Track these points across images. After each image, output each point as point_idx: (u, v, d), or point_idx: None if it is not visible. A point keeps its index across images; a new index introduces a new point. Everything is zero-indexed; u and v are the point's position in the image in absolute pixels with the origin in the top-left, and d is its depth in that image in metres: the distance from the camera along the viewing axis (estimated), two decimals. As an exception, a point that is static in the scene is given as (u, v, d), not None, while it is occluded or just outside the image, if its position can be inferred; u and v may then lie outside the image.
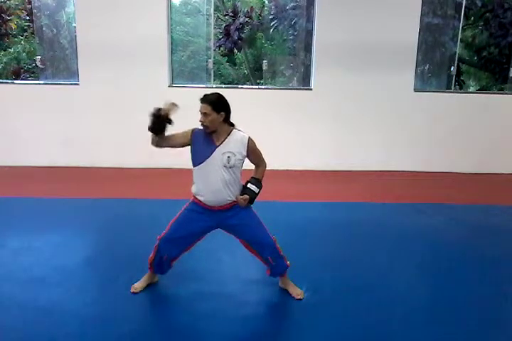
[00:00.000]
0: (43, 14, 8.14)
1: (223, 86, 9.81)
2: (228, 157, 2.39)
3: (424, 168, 7.03)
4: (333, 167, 6.93)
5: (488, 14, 11.13)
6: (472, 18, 11.47)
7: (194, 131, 2.47)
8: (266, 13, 13.00)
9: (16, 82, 9.24)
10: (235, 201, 2.47)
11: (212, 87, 7.07)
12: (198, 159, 2.44)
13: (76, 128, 6.68)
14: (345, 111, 6.92)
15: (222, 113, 2.36)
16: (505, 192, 5.92)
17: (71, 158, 6.76)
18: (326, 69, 6.78)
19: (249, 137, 2.48)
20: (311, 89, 6.92)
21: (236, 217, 2.49)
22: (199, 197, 2.46)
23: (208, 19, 8.60)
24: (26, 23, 12.98)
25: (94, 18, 6.48)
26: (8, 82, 7.76)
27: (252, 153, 2.49)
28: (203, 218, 2.48)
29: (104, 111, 6.59)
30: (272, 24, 12.36)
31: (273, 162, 6.92)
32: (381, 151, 7.02)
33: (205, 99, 2.37)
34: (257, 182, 2.54)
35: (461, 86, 12.05)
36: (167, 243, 2.50)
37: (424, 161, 7.07)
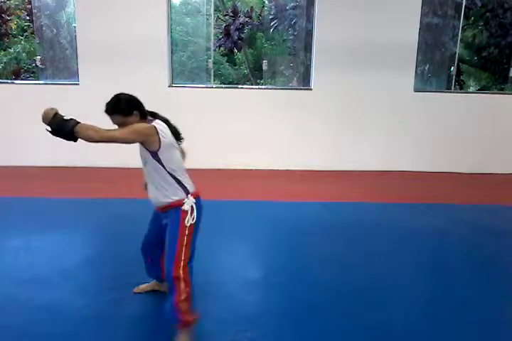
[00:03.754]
0: (43, 14, 8.14)
1: (223, 86, 9.82)
2: (141, 152, 2.15)
3: (424, 167, 7.03)
4: (333, 167, 6.93)
5: (488, 14, 11.14)
6: (472, 18, 11.47)
7: None
8: (266, 13, 13.01)
9: (16, 82, 9.23)
10: (168, 205, 2.15)
11: (212, 87, 7.07)
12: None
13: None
14: (345, 111, 6.92)
15: (136, 112, 2.09)
16: (505, 192, 5.91)
17: (71, 158, 6.76)
18: (326, 69, 6.78)
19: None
20: (311, 89, 6.92)
21: (167, 218, 2.20)
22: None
23: (208, 19, 8.61)
24: (26, 23, 12.99)
25: (94, 18, 6.48)
26: (8, 82, 7.76)
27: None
28: (158, 215, 2.31)
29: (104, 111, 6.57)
30: (271, 24, 12.37)
31: (273, 162, 7.02)
32: (381, 151, 7.02)
33: (110, 110, 2.08)
34: (70, 121, 1.97)
35: (461, 86, 12.06)
36: (144, 244, 2.46)
37: (424, 161, 7.06)
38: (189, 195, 2.15)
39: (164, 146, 2.07)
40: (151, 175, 2.15)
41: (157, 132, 2.04)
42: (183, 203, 2.12)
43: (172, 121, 2.23)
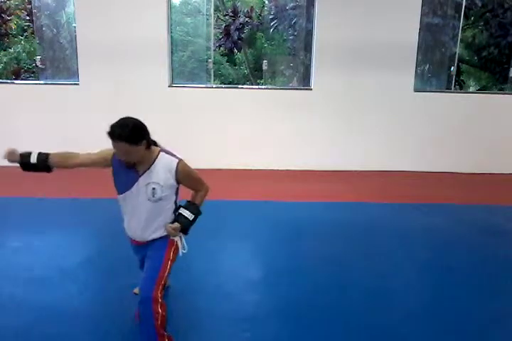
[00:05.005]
0: (43, 14, 8.14)
1: (223, 86, 9.81)
2: (153, 188, 1.97)
3: (424, 167, 7.02)
4: (333, 167, 6.92)
5: (488, 14, 11.13)
6: (472, 18, 11.47)
7: (114, 154, 2.01)
8: (266, 13, 13.00)
9: (16, 82, 9.24)
10: (156, 238, 2.09)
11: (212, 87, 7.07)
12: (120, 187, 2.08)
13: (76, 128, 6.67)
14: (345, 111, 6.91)
15: (144, 141, 1.90)
16: (505, 192, 5.91)
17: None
18: (326, 69, 6.77)
19: (179, 161, 2.00)
20: (311, 89, 6.92)
21: (149, 246, 2.11)
22: (127, 232, 2.17)
23: (208, 19, 8.60)
24: (26, 23, 12.98)
25: (94, 18, 6.48)
26: (8, 82, 7.76)
27: (185, 179, 2.04)
28: (138, 250, 2.26)
29: (104, 111, 6.56)
30: (271, 24, 12.36)
31: (273, 162, 7.01)
32: (381, 151, 7.01)
33: (118, 137, 1.84)
34: (193, 207, 2.07)
35: (461, 86, 12.05)
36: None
37: (424, 161, 7.06)
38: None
39: None
40: (154, 211, 2.04)
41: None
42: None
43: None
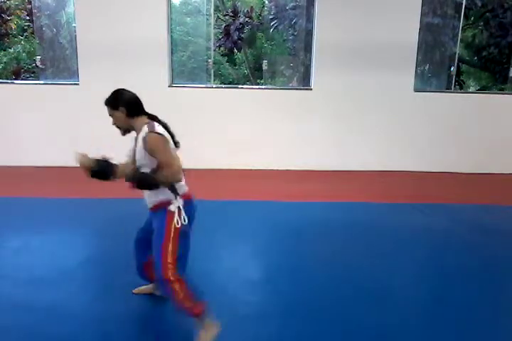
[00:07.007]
0: (43, 14, 8.15)
1: (223, 86, 9.81)
2: (134, 155, 2.17)
3: (424, 168, 7.02)
4: (333, 167, 6.93)
5: (488, 14, 11.13)
6: (472, 18, 11.47)
7: None
8: (266, 13, 13.00)
9: (15, 82, 9.24)
10: (156, 205, 2.17)
11: (212, 87, 7.07)
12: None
13: (76, 128, 6.68)
14: (345, 111, 6.91)
15: (122, 108, 2.14)
16: (505, 192, 5.91)
17: (71, 158, 6.74)
18: (326, 69, 6.77)
19: (149, 132, 2.07)
20: (311, 89, 6.92)
21: (155, 218, 2.22)
22: None
23: (208, 19, 8.62)
24: (26, 23, 12.98)
25: (94, 18, 6.48)
26: (8, 82, 7.76)
27: (153, 152, 2.06)
28: (150, 217, 2.34)
29: (104, 111, 6.55)
30: (272, 24, 12.37)
31: (273, 162, 7.01)
32: (381, 151, 7.02)
33: (104, 101, 2.22)
34: (144, 174, 2.08)
35: (461, 86, 12.05)
36: (135, 243, 2.45)
37: (423, 161, 7.06)
38: (178, 197, 2.14)
39: None
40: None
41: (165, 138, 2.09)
42: (169, 204, 2.12)
43: (170, 127, 2.23)
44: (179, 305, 2.07)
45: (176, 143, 2.21)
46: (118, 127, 2.21)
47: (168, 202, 2.12)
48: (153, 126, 2.10)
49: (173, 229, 2.09)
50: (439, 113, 6.99)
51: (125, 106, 2.15)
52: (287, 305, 2.58)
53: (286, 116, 6.87)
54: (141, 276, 2.55)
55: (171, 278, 2.03)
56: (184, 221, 2.13)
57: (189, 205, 2.20)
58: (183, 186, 2.20)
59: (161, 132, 2.09)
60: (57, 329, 2.26)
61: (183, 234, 2.14)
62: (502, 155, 7.11)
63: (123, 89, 2.23)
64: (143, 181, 2.06)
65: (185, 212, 2.15)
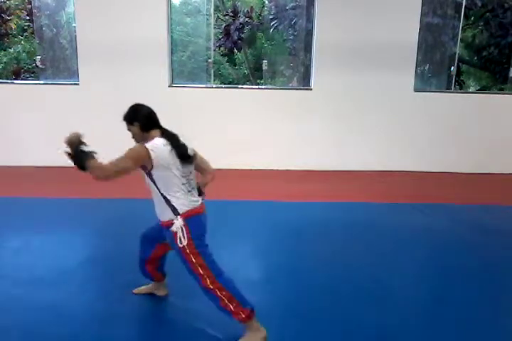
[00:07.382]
0: (43, 14, 8.14)
1: (223, 86, 9.81)
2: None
3: (424, 168, 7.02)
4: (333, 167, 6.92)
5: (488, 14, 11.13)
6: (472, 18, 11.46)
7: None
8: (266, 13, 13.01)
9: (15, 82, 9.24)
10: (163, 222, 2.21)
11: (212, 87, 7.07)
12: None
13: (76, 128, 6.66)
14: (345, 111, 6.91)
15: (136, 123, 2.18)
16: (505, 192, 5.91)
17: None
18: (326, 69, 6.77)
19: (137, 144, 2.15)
20: (311, 89, 6.92)
21: (166, 235, 2.23)
22: None
23: (208, 19, 8.61)
24: (26, 23, 12.99)
25: (94, 18, 6.48)
26: (8, 82, 7.76)
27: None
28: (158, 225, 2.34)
29: (104, 111, 6.56)
30: (272, 24, 12.37)
31: (273, 162, 7.01)
32: (381, 151, 7.01)
33: (123, 116, 2.23)
34: (87, 154, 2.10)
35: (461, 86, 12.05)
36: (140, 238, 2.48)
37: (423, 161, 7.06)
38: (178, 217, 2.13)
39: (157, 167, 2.07)
40: (151, 189, 2.20)
41: (148, 153, 2.04)
42: (172, 224, 2.13)
43: (182, 140, 2.19)
44: (225, 310, 2.15)
45: (183, 156, 2.14)
46: (137, 142, 2.21)
47: (170, 223, 2.15)
48: (152, 142, 2.11)
49: (186, 247, 2.11)
50: (439, 113, 6.98)
51: (139, 121, 2.19)
52: (287, 305, 2.58)
53: (286, 116, 6.87)
54: (143, 272, 2.56)
55: (211, 287, 2.12)
56: (186, 240, 2.11)
57: (195, 221, 2.17)
58: (184, 205, 2.15)
59: (151, 147, 2.06)
60: (57, 329, 2.26)
61: (198, 245, 2.14)
62: (502, 155, 7.11)
63: (137, 104, 2.25)
64: (77, 157, 2.09)
65: (193, 228, 2.14)
